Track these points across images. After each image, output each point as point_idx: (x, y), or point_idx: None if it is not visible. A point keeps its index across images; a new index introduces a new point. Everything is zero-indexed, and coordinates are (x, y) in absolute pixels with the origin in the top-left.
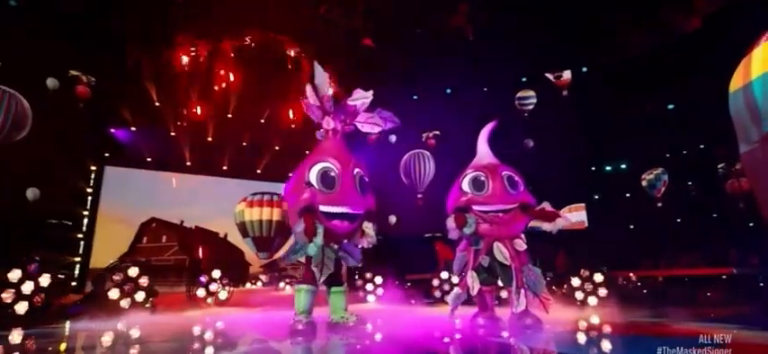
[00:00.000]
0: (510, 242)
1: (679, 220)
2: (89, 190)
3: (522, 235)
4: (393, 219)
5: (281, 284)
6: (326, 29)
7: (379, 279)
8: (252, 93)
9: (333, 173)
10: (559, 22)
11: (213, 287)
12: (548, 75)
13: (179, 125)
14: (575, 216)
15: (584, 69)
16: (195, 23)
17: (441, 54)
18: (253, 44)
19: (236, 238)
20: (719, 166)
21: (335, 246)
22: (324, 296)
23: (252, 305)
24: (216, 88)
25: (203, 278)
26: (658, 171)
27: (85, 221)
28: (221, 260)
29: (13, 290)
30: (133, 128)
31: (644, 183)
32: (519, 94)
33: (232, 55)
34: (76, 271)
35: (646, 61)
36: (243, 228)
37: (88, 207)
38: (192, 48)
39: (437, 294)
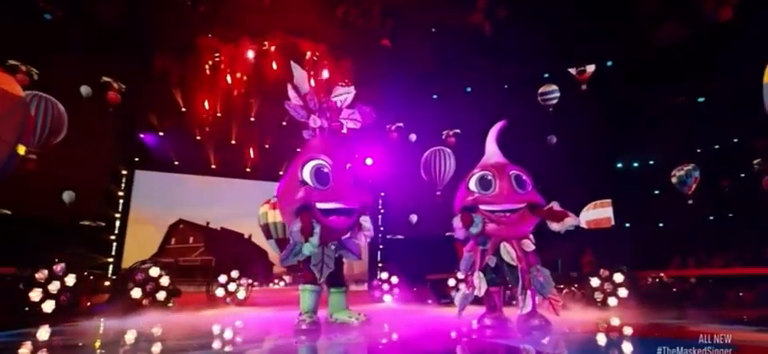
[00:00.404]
0: (517, 242)
1: (712, 218)
2: (120, 194)
3: (531, 236)
4: (414, 219)
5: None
6: (344, 30)
7: (395, 279)
8: (274, 95)
9: (326, 169)
10: (584, 14)
11: (232, 286)
12: (570, 70)
13: (204, 129)
14: (601, 213)
15: (609, 63)
16: (217, 28)
17: (460, 52)
18: (273, 47)
19: (260, 239)
20: (755, 161)
21: (333, 246)
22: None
23: (270, 305)
24: (236, 92)
25: (222, 278)
26: (689, 167)
27: (117, 223)
28: (246, 260)
29: (40, 289)
30: (161, 133)
31: (674, 180)
32: (541, 89)
33: (253, 58)
34: (110, 272)
35: (675, 52)
36: (266, 230)
37: (120, 209)
38: (217, 53)
39: (453, 294)
